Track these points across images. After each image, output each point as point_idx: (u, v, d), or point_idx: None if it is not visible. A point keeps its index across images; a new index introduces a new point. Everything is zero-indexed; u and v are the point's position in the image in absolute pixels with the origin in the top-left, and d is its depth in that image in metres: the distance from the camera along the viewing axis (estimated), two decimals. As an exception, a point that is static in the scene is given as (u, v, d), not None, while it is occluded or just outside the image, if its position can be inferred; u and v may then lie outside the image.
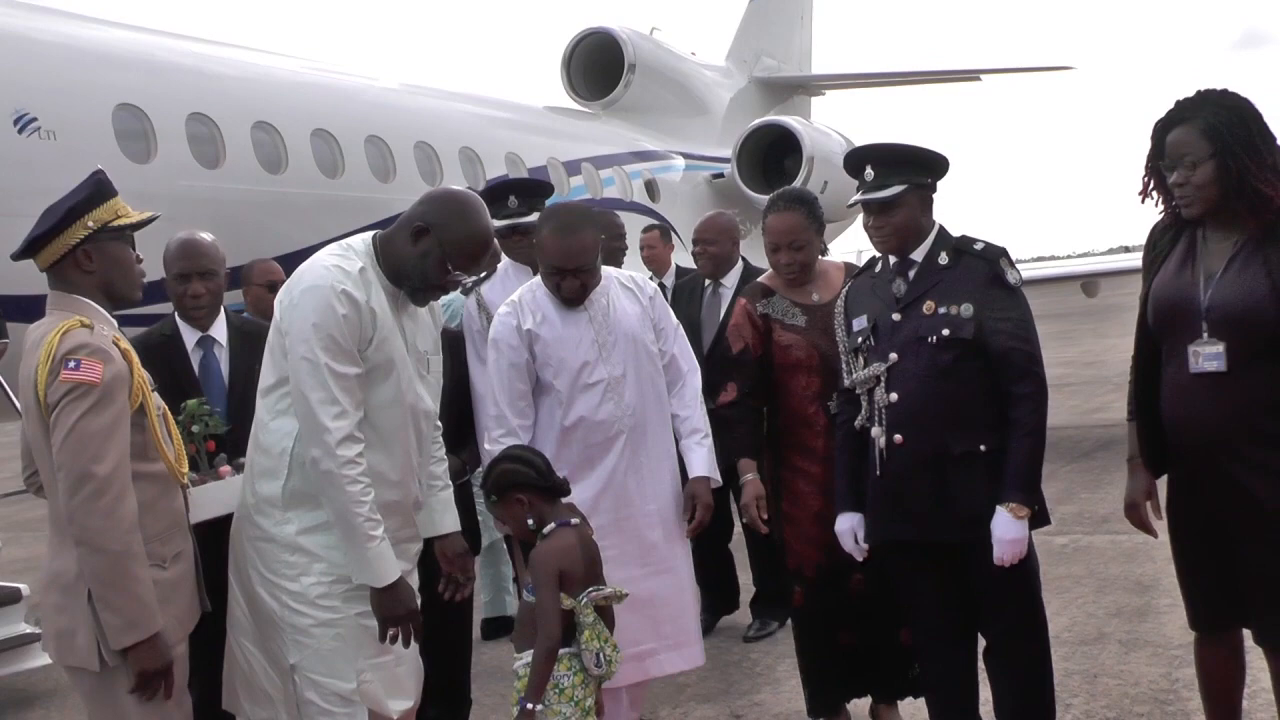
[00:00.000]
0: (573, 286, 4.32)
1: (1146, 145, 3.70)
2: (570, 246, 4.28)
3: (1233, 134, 3.45)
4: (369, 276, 3.51)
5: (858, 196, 4.10)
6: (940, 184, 4.15)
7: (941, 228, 4.11)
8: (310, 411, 3.36)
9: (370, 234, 3.66)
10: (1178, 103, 3.59)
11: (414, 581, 3.70)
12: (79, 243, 3.31)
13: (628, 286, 4.58)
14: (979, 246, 4.03)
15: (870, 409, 4.05)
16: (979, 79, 22.88)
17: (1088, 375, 17.89)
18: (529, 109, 14.50)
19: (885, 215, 4.04)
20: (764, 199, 14.99)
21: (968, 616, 4.09)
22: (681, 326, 4.74)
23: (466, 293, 5.37)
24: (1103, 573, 6.97)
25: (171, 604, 3.29)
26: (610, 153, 14.54)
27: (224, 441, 4.11)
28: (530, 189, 5.64)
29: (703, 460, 4.52)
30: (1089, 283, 15.83)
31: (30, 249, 3.34)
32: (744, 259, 6.59)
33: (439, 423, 3.92)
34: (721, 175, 16.54)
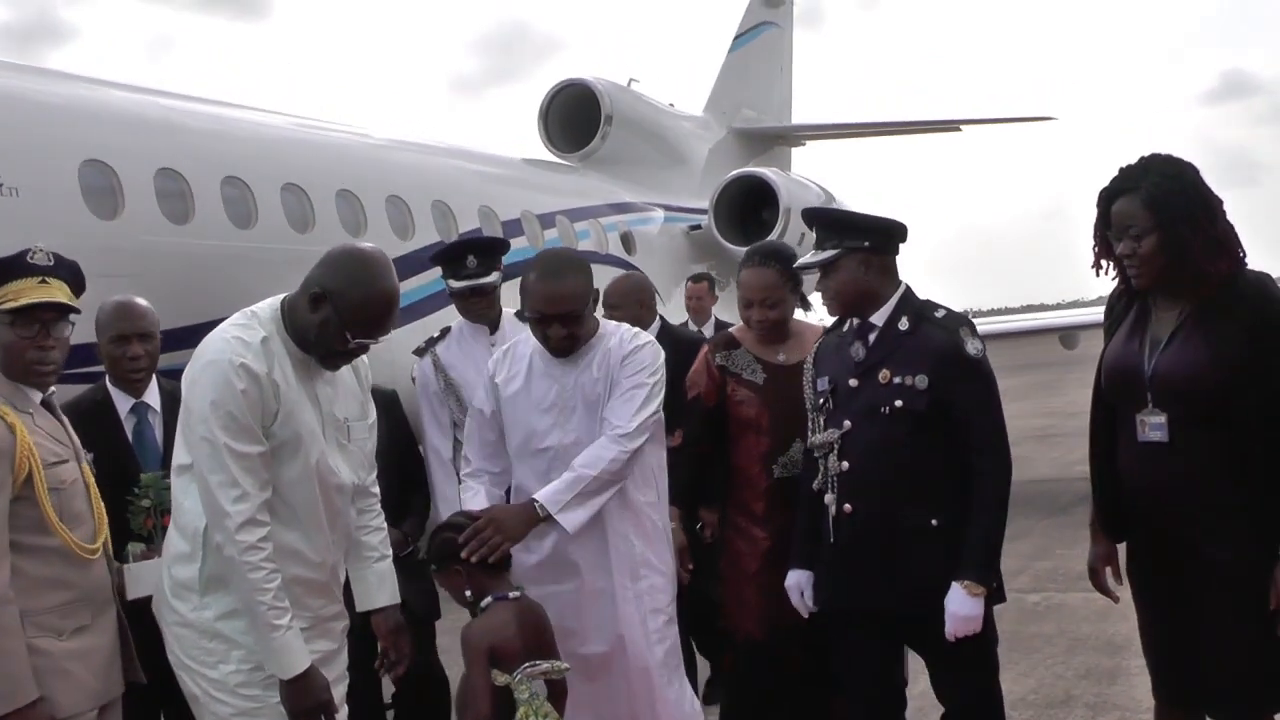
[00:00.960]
0: (559, 335, 4.06)
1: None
2: (554, 291, 4.03)
3: (1175, 205, 3.43)
4: (272, 347, 3.36)
5: (801, 260, 4.17)
6: (900, 247, 4.10)
7: (907, 291, 4.05)
8: (210, 494, 3.24)
9: (279, 297, 3.50)
10: (1121, 170, 3.56)
11: (341, 660, 3.62)
12: None
13: (610, 346, 4.20)
14: (940, 314, 3.98)
15: (824, 475, 4.00)
16: (959, 129, 22.95)
17: (1071, 426, 17.85)
18: (504, 161, 14.46)
19: (825, 279, 4.05)
20: (741, 251, 15.01)
21: (902, 691, 4.06)
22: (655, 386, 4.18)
23: (421, 354, 5.31)
24: (1074, 632, 6.92)
25: (70, 675, 3.29)
26: (586, 205, 14.49)
27: None
28: (488, 248, 5.53)
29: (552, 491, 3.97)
30: (1067, 335, 15.81)
31: None
32: (661, 318, 6.22)
33: (374, 490, 3.80)
34: (699, 227, 16.52)
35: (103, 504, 3.58)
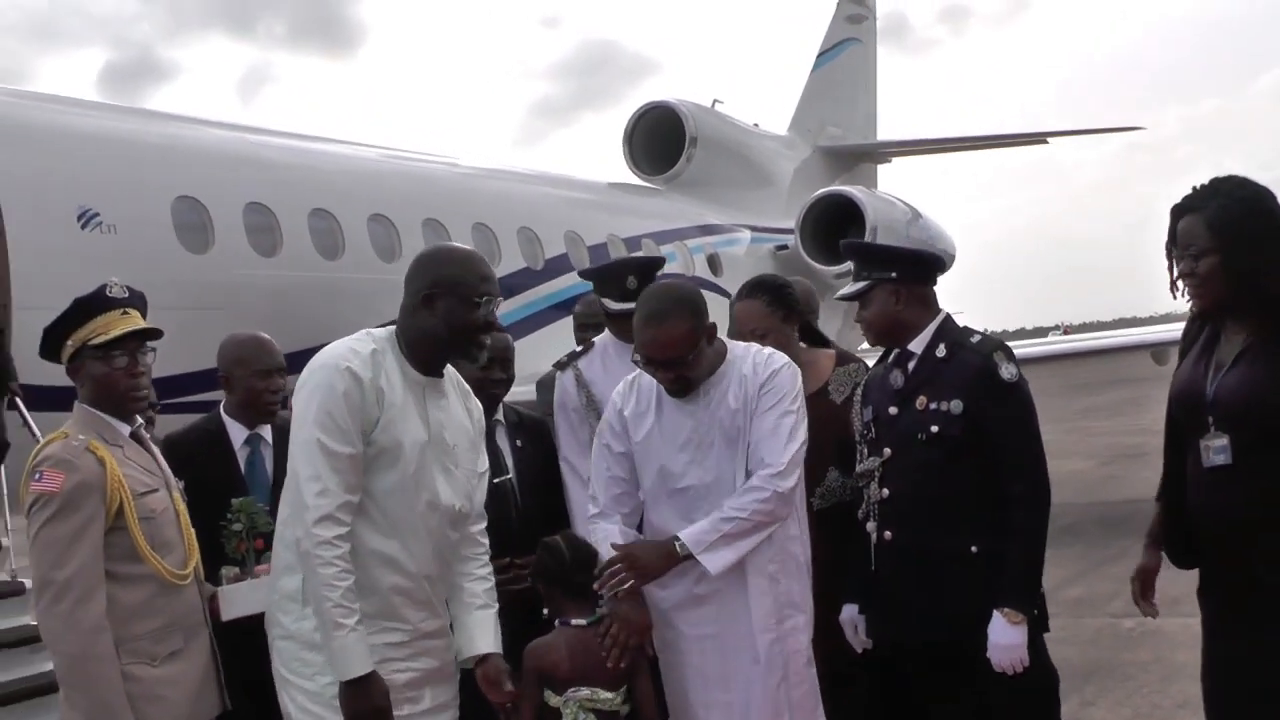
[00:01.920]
0: (667, 379, 3.85)
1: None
2: (656, 337, 3.78)
3: (1238, 227, 3.31)
4: (382, 359, 3.40)
5: (839, 292, 4.22)
6: (939, 277, 4.17)
7: (946, 319, 4.05)
8: (296, 488, 3.26)
9: (394, 326, 3.55)
10: (1193, 189, 3.46)
11: (447, 686, 3.56)
12: (67, 361, 3.57)
13: (745, 373, 3.89)
14: (975, 340, 3.95)
15: (867, 503, 3.99)
16: (1046, 141, 22.75)
17: (1161, 444, 17.44)
18: (590, 185, 14.55)
19: (861, 309, 4.08)
20: (830, 270, 14.86)
21: None
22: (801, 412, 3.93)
23: (562, 368, 5.05)
24: (1170, 659, 6.71)
25: (163, 701, 3.40)
26: (672, 228, 14.53)
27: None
28: (647, 267, 5.16)
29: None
30: (1159, 351, 15.41)
31: (48, 357, 3.66)
32: None
33: (482, 538, 3.74)
34: (786, 247, 16.46)
35: (193, 531, 3.67)
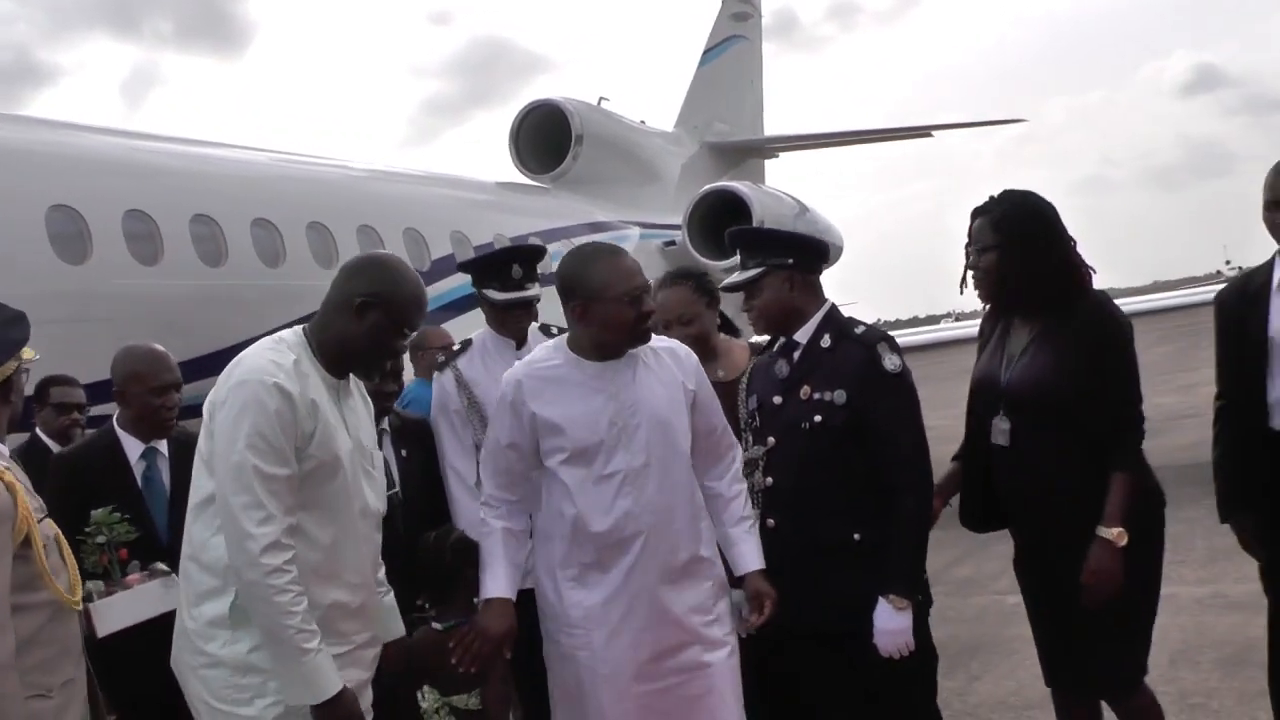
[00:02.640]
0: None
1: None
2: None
3: (1017, 229, 3.86)
4: (304, 368, 3.28)
5: (726, 281, 4.22)
6: (826, 265, 4.26)
7: (831, 309, 4.07)
8: (233, 517, 3.10)
9: (298, 327, 3.44)
10: (989, 197, 3.99)
11: (368, 691, 3.47)
12: None
13: (661, 357, 3.86)
14: (859, 330, 3.99)
15: (752, 491, 4.02)
16: (931, 135, 23.13)
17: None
18: (477, 184, 14.53)
19: (750, 298, 4.08)
20: (718, 264, 14.97)
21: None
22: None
23: (440, 368, 4.91)
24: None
25: None
26: (560, 225, 14.56)
27: (139, 548, 4.08)
28: (531, 256, 5.04)
29: (755, 551, 3.89)
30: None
31: None
32: None
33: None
34: (674, 243, 16.58)
35: (73, 554, 3.50)
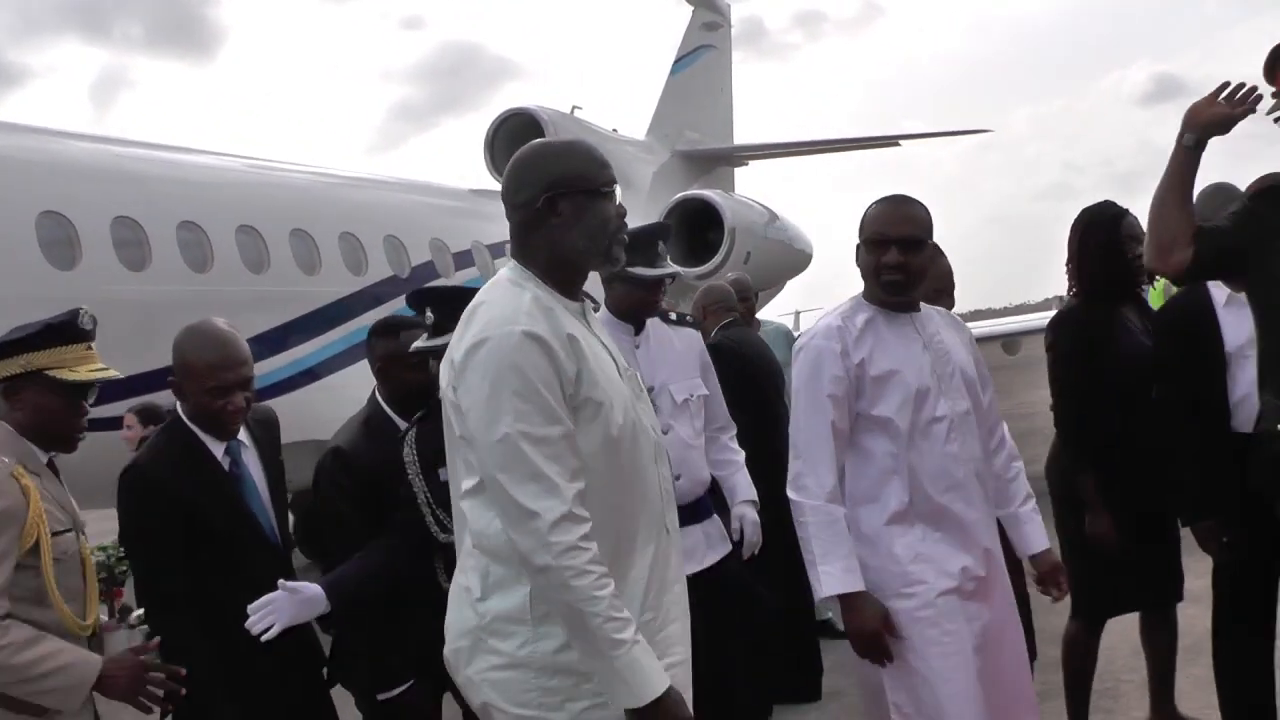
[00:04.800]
0: (895, 261, 3.57)
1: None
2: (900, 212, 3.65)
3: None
4: (546, 301, 2.73)
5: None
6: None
7: None
8: (509, 498, 2.60)
9: (510, 263, 2.89)
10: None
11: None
12: (7, 379, 3.20)
13: (947, 320, 3.84)
14: None
15: None
16: (899, 144, 23.40)
17: (1021, 428, 18.17)
18: (452, 192, 14.68)
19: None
20: (690, 272, 15.13)
21: None
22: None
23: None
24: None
25: None
26: (535, 233, 14.64)
27: (259, 559, 3.63)
28: (668, 233, 4.79)
29: (1041, 532, 3.81)
30: (1009, 342, 16.10)
31: None
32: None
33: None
34: (645, 251, 16.70)
35: (97, 581, 3.33)
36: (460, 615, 2.81)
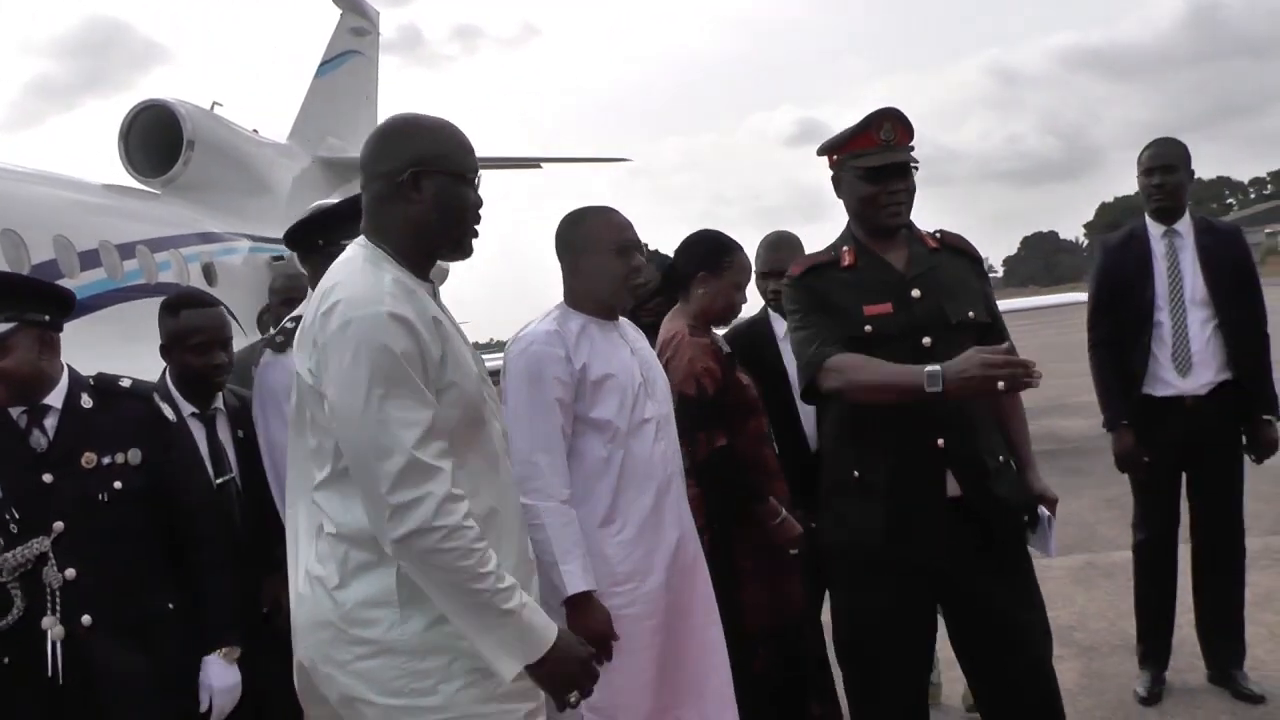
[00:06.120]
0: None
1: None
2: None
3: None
4: (408, 283, 2.70)
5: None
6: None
7: (69, 367, 3.54)
8: (387, 485, 2.53)
9: (357, 240, 2.82)
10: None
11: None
12: None
13: (638, 331, 4.09)
14: (127, 384, 3.60)
15: (47, 593, 3.30)
16: (540, 167, 23.85)
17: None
18: (82, 185, 13.87)
19: None
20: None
21: None
22: None
23: (281, 349, 3.90)
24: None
25: None
26: (169, 234, 14.08)
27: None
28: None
29: None
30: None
31: None
32: None
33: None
34: (282, 258, 16.35)
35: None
36: (316, 607, 2.71)
